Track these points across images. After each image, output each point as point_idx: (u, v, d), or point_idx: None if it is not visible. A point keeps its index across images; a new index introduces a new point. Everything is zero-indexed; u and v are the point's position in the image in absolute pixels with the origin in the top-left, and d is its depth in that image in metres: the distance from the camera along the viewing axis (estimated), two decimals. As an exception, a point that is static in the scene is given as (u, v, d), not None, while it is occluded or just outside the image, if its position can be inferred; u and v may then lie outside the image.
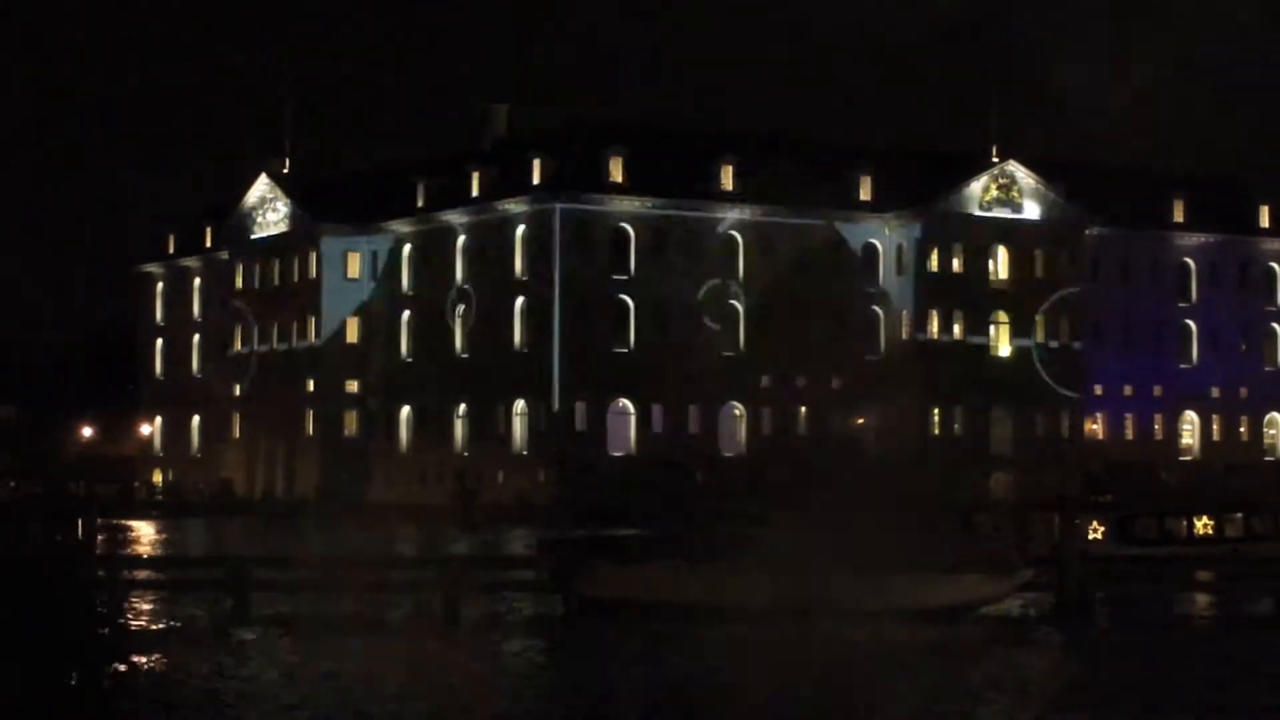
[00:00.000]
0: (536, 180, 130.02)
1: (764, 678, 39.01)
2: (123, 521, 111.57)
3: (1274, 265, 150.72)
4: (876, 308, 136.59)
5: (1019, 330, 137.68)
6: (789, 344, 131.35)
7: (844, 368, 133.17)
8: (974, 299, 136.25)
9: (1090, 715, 35.70)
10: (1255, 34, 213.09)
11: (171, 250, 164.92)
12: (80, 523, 50.90)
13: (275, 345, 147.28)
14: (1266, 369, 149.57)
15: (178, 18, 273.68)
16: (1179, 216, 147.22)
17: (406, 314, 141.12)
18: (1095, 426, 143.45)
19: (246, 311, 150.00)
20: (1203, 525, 64.29)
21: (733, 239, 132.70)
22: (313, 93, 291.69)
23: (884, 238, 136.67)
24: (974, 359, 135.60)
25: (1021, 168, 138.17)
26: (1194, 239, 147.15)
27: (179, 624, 48.10)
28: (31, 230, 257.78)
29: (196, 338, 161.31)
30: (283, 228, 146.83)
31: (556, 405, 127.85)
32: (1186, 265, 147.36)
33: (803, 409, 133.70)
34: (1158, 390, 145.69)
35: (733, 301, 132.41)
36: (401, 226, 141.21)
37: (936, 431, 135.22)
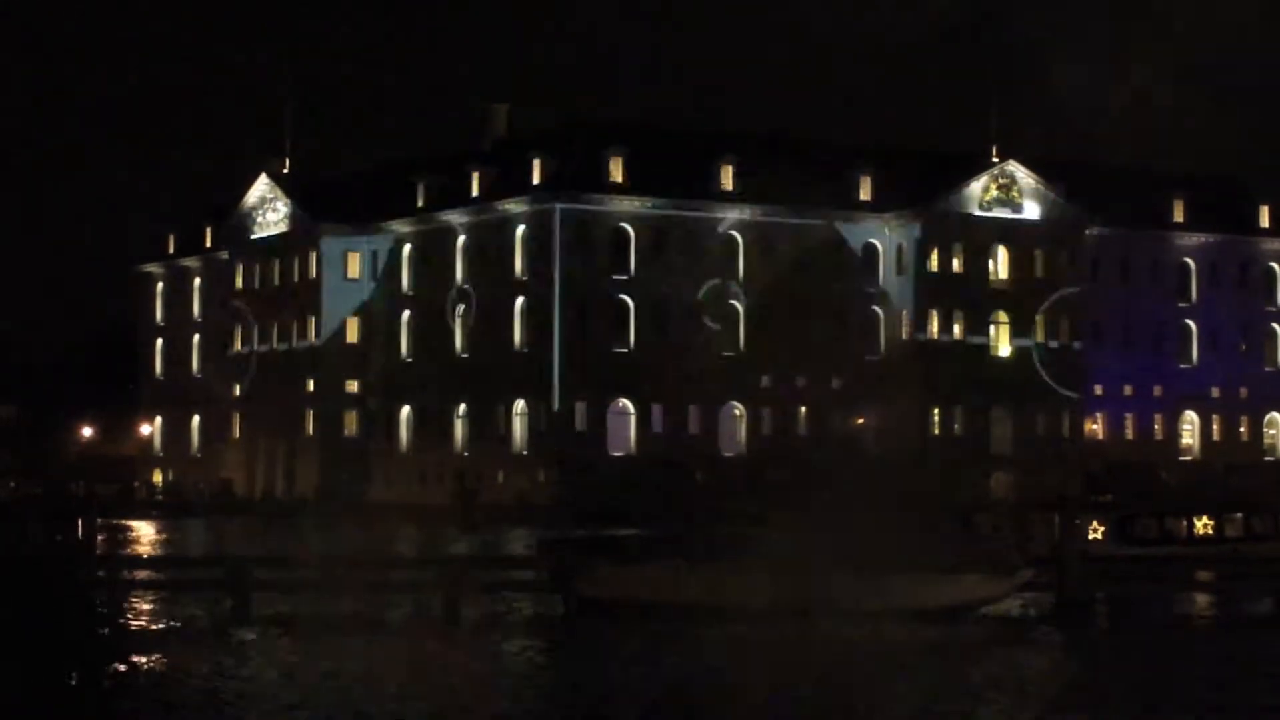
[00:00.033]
0: (536, 180, 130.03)
1: (764, 678, 39.01)
2: (123, 521, 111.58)
3: (1274, 265, 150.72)
4: (876, 308, 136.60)
5: (1019, 330, 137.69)
6: (789, 344, 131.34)
7: (844, 368, 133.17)
8: (974, 299, 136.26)
9: (1090, 715, 35.71)
10: (1255, 34, 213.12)
11: (171, 250, 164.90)
12: (80, 523, 50.90)
13: (275, 345, 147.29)
14: (1266, 369, 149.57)
15: (178, 18, 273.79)
16: (1179, 216, 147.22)
17: (406, 314, 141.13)
18: (1095, 426, 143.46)
19: (246, 311, 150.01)
20: (1203, 525, 64.27)
21: (733, 239, 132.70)
22: (313, 93, 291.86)
23: (884, 238, 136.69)
24: (974, 359, 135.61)
25: (1021, 168, 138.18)
26: (1194, 239, 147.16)
27: (179, 624, 48.10)
28: (31, 230, 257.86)
29: (196, 338, 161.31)
30: (283, 228, 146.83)
31: (556, 405, 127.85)
32: (1186, 265, 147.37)
33: (803, 409, 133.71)
34: (1158, 390, 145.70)
35: (732, 301, 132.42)
36: (401, 226, 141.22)
37: (936, 431, 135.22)
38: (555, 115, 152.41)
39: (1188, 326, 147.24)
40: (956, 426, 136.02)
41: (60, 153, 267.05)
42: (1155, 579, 56.18)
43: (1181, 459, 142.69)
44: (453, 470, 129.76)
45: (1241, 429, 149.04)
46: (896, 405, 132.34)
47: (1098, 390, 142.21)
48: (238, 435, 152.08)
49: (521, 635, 46.72)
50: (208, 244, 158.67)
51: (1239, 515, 65.61)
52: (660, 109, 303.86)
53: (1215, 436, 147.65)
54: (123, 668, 37.24)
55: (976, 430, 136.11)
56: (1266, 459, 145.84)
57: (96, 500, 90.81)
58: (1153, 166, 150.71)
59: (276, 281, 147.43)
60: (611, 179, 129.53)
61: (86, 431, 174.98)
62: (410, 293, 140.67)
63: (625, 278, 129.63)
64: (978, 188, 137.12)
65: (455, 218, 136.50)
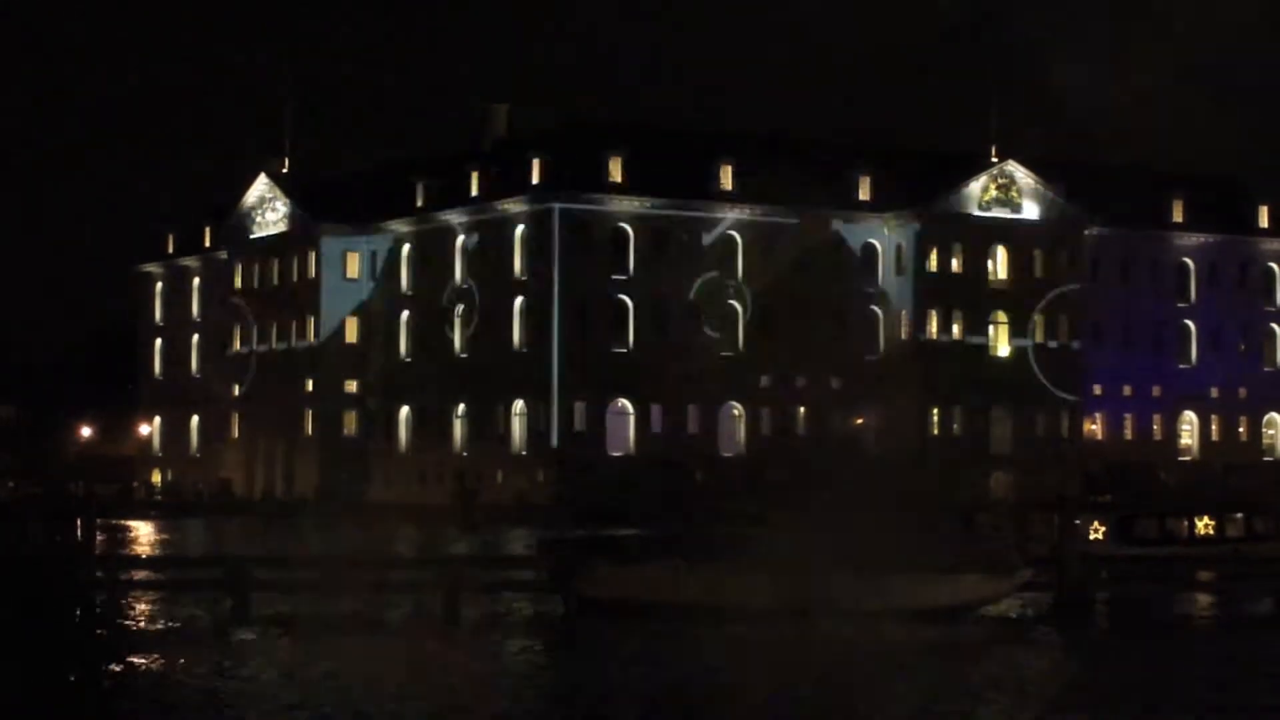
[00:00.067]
0: (536, 180, 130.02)
1: (764, 678, 39.00)
2: (122, 521, 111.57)
3: (1273, 265, 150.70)
4: (876, 308, 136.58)
5: (1018, 330, 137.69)
6: (788, 344, 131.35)
7: (843, 368, 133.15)
8: (973, 299, 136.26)
9: (1090, 715, 35.69)
10: (1255, 34, 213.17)
11: (171, 250, 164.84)
12: (79, 523, 50.81)
13: (274, 345, 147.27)
14: (1265, 369, 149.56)
15: (178, 18, 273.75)
16: (1178, 216, 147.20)
17: (406, 314, 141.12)
18: (1094, 426, 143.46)
19: (246, 311, 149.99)
20: (1204, 525, 64.28)
21: (732, 239, 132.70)
22: (313, 93, 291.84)
23: (883, 238, 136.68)
24: (973, 359, 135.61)
25: (1021, 168, 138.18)
26: (1193, 239, 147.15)
27: (178, 624, 48.08)
28: (31, 230, 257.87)
29: (196, 337, 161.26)
30: (282, 227, 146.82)
31: (556, 405, 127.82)
32: (1186, 265, 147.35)
33: (802, 409, 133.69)
34: (1157, 390, 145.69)
35: (732, 301, 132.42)
36: (401, 226, 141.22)
37: (936, 431, 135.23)
38: (555, 115, 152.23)
39: (1187, 327, 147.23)
40: (956, 426, 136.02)
41: (60, 153, 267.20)
42: (1156, 579, 56.17)
43: (1180, 459, 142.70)
44: (452, 470, 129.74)
45: (1240, 429, 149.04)
46: (896, 405, 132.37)
47: (1097, 390, 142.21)
48: (237, 435, 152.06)
49: (521, 635, 46.70)
50: (207, 244, 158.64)
51: (1240, 515, 65.63)
52: (660, 109, 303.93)
53: (1214, 437, 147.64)
54: (122, 668, 37.22)
55: (976, 430, 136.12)
56: (1265, 459, 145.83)
57: (96, 500, 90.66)
58: (1152, 166, 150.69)
59: (276, 281, 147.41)
60: (611, 179, 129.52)
61: (86, 431, 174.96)
62: (409, 293, 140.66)
63: (624, 278, 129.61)
64: (977, 188, 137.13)
65: (454, 218, 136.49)
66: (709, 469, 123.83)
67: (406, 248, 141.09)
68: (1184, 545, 62.94)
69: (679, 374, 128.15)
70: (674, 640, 43.99)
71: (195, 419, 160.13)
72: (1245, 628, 51.94)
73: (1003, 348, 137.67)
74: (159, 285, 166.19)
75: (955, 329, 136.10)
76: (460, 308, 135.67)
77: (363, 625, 46.79)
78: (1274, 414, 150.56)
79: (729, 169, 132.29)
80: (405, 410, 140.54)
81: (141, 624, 47.82)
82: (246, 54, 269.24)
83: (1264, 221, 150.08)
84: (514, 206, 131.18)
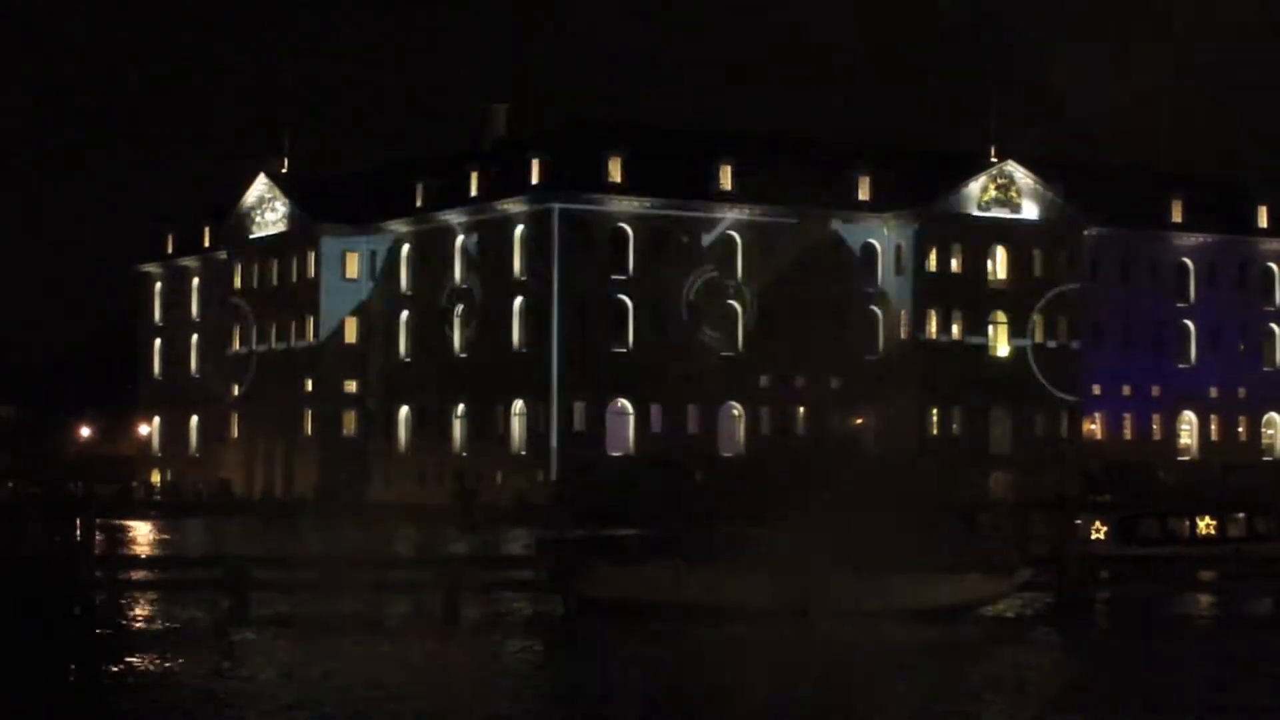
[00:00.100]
0: (535, 180, 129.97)
1: (764, 678, 38.99)
2: (121, 521, 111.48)
3: (1272, 265, 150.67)
4: (875, 308, 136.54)
5: (1017, 330, 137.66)
6: (788, 344, 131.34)
7: (843, 368, 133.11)
8: (972, 299, 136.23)
9: (1090, 715, 35.70)
10: (1255, 34, 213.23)
11: (170, 250, 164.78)
12: (79, 523, 50.91)
13: (274, 345, 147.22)
14: (1265, 369, 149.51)
15: (178, 18, 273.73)
16: (1178, 216, 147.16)
17: (405, 314, 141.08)
18: (1094, 426, 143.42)
19: (245, 311, 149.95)
20: (1206, 525, 64.27)
21: (732, 239, 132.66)
22: (313, 93, 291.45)
23: (883, 238, 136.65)
24: (972, 359, 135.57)
25: (1020, 168, 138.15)
26: (1193, 239, 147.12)
27: (178, 624, 48.05)
28: (31, 230, 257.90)
29: (195, 337, 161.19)
30: (281, 227, 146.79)
31: (555, 405, 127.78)
32: (1185, 265, 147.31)
33: (802, 409, 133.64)
34: (1156, 390, 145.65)
35: (732, 301, 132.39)
36: (400, 226, 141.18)
37: (935, 431, 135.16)
38: (555, 115, 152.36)
39: (1186, 326, 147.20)
40: (955, 426, 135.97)
41: (60, 153, 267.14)
42: (1157, 579, 56.17)
43: (1180, 459, 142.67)
44: (452, 470, 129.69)
45: (1240, 429, 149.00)
46: (895, 405, 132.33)
47: (1096, 390, 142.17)
48: (236, 435, 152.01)
49: (521, 635, 46.71)
50: (206, 244, 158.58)
51: (1242, 515, 65.65)
52: (660, 109, 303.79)
53: (1213, 436, 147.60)
54: (122, 668, 37.21)
55: (975, 430, 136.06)
56: (1265, 459, 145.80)
57: (95, 500, 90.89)
58: (1152, 166, 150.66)
59: (275, 281, 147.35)
60: (610, 179, 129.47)
61: (85, 431, 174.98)
62: (409, 293, 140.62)
63: (624, 278, 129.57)
64: (976, 188, 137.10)
65: (454, 218, 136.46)
66: (709, 469, 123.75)
67: (406, 248, 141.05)
68: (1186, 545, 62.95)
69: (679, 374, 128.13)
70: (674, 640, 43.99)
71: (195, 419, 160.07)
72: (1245, 628, 51.95)
73: (1002, 348, 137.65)
74: (159, 285, 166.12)
75: (955, 329, 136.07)
76: (460, 308, 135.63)
77: (362, 625, 46.79)
78: (1273, 414, 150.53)
79: (729, 169, 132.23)
80: (405, 410, 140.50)
81: (141, 624, 47.80)
82: (246, 54, 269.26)
83: (1263, 221, 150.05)
84: (514, 206, 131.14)
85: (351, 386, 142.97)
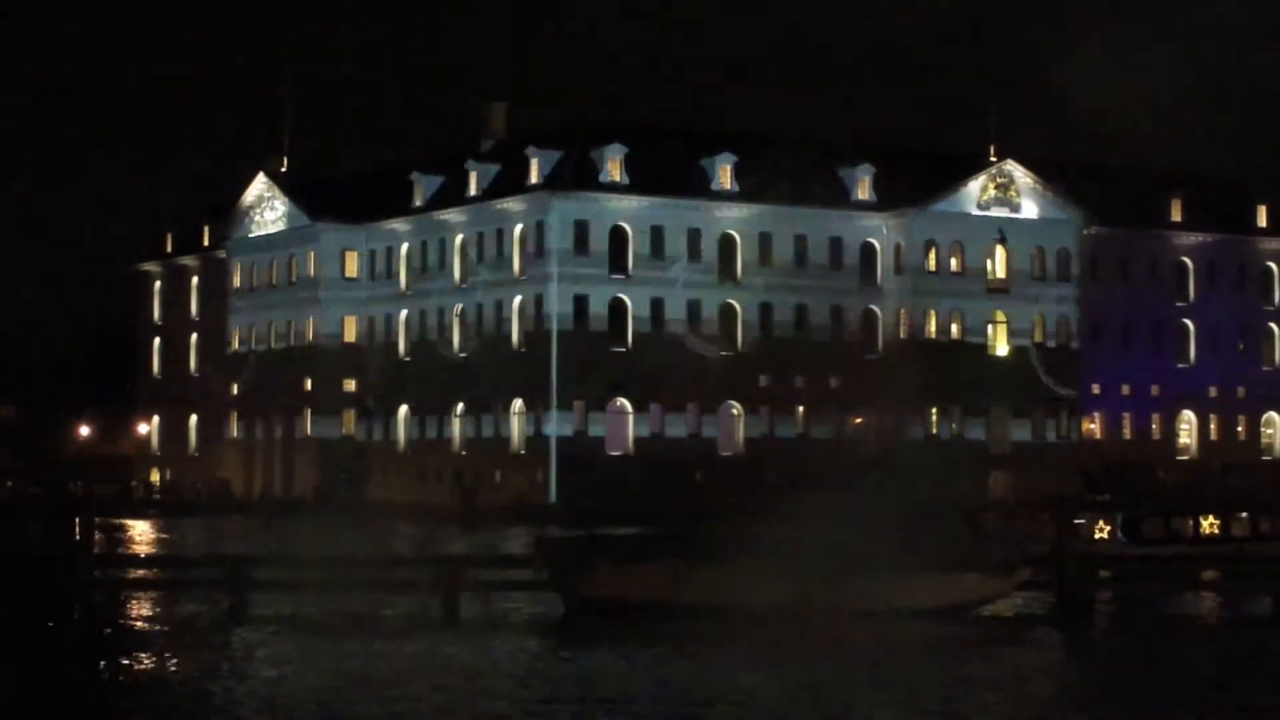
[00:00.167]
0: (534, 179, 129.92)
1: (764, 678, 38.94)
2: (121, 521, 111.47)
3: (1272, 265, 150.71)
4: (875, 307, 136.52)
5: (1017, 330, 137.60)
6: (787, 343, 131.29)
7: (842, 367, 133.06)
8: (972, 298, 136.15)
9: (1090, 715, 35.65)
10: (1255, 34, 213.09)
11: (169, 249, 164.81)
12: (78, 522, 50.80)
13: (273, 344, 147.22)
14: (1264, 369, 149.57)
15: (178, 18, 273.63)
16: (1177, 216, 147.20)
17: (404, 313, 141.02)
18: (1093, 426, 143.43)
19: (245, 310, 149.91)
20: (1209, 525, 64.23)
21: (731, 238, 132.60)
22: (312, 92, 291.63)
23: (882, 237, 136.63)
24: (972, 359, 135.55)
25: (1019, 167, 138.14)
26: (1192, 239, 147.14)
27: (177, 624, 48.01)
28: (31, 230, 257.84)
29: (194, 336, 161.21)
30: (281, 226, 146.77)
31: (555, 405, 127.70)
32: (1185, 265, 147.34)
33: (801, 409, 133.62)
34: (1155, 390, 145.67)
35: (732, 301, 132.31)
36: (400, 225, 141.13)
37: (935, 431, 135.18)
38: (555, 115, 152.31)
39: (1186, 326, 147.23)
40: (955, 426, 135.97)
41: (60, 153, 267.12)
42: (1159, 578, 56.12)
43: (1179, 458, 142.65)
44: (451, 469, 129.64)
45: (1239, 428, 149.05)
46: (895, 405, 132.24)
47: (1095, 390, 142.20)
48: (236, 434, 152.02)
49: (521, 635, 46.65)
50: (206, 243, 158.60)
51: (1245, 515, 65.61)
52: (660, 108, 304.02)
53: (1213, 436, 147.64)
54: (121, 668, 37.16)
55: (975, 430, 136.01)
56: (1264, 458, 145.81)
57: (95, 500, 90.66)
58: (1151, 166, 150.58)
59: (274, 280, 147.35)
60: (610, 178, 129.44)
61: (85, 431, 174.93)
62: (408, 292, 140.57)
63: (624, 277, 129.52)
64: (976, 187, 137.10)
65: (453, 217, 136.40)
66: (709, 469, 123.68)
67: (405, 247, 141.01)
68: (1189, 544, 62.91)
69: (679, 373, 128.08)
70: (674, 640, 43.94)
71: (194, 418, 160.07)
72: (1246, 627, 51.91)
73: (1002, 347, 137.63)
74: (158, 284, 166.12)
75: (954, 328, 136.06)
76: (459, 307, 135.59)
77: (362, 625, 46.73)
78: (1272, 413, 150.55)
79: (728, 168, 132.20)
80: (404, 409, 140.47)
81: (141, 624, 47.76)
82: (246, 54, 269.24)
83: (1263, 221, 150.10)
84: (513, 205, 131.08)
85: (351, 386, 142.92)
